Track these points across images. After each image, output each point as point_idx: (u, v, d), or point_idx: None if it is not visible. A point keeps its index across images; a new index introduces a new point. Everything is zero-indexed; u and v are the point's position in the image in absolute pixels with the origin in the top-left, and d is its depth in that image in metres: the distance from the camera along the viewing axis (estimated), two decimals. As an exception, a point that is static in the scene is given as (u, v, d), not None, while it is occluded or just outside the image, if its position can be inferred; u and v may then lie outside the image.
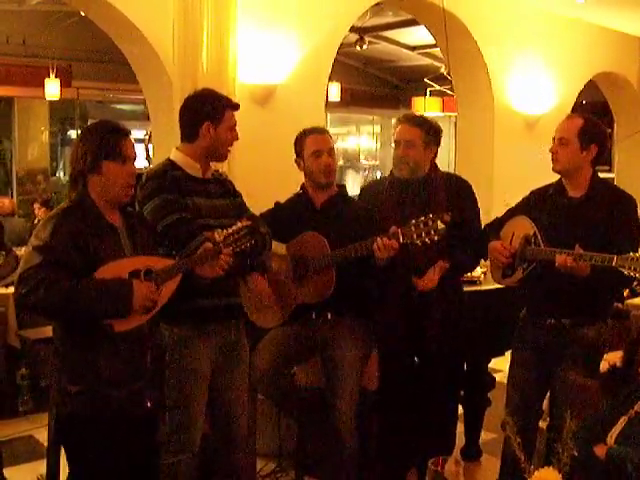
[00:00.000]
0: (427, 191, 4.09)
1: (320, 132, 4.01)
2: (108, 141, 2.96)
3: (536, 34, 8.30)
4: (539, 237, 3.68)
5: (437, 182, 4.13)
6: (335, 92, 11.55)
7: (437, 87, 11.23)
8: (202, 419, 3.52)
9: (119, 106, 14.01)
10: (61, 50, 10.42)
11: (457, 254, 4.04)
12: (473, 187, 4.28)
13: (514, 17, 8.08)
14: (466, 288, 4.75)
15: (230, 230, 3.21)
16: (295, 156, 4.03)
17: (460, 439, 4.86)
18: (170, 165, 3.51)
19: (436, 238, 3.51)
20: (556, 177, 3.84)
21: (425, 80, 11.57)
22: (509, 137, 8.26)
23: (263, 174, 6.02)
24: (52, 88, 9.81)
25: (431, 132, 4.12)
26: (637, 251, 3.65)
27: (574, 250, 3.43)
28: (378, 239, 3.58)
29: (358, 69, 13.38)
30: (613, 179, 12.01)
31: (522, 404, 3.87)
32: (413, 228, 3.53)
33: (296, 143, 4.02)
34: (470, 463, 4.84)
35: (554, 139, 3.76)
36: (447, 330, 4.08)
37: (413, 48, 11.63)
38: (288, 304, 3.90)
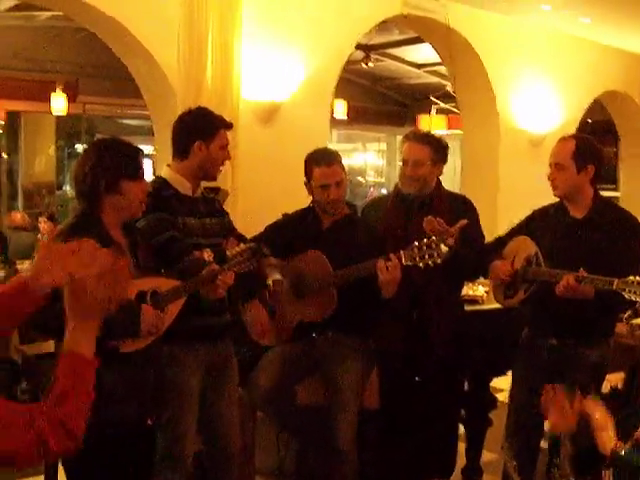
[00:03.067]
0: (432, 208, 4.07)
1: (329, 163, 3.87)
2: (128, 160, 2.99)
3: (541, 52, 8.30)
4: (540, 257, 3.66)
5: (442, 200, 4.11)
6: (341, 109, 11.59)
7: (442, 105, 11.26)
8: (193, 434, 3.50)
9: (126, 121, 14.06)
10: (68, 65, 10.46)
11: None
12: (477, 205, 4.26)
13: (519, 35, 8.09)
14: (468, 307, 4.74)
15: (234, 251, 3.21)
16: (305, 178, 3.97)
17: (461, 459, 4.81)
18: (163, 183, 3.51)
19: (439, 261, 3.49)
20: (561, 195, 3.83)
21: (431, 98, 11.60)
22: (514, 155, 8.25)
23: (267, 191, 6.03)
24: (58, 103, 9.85)
25: (439, 150, 4.09)
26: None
27: (578, 272, 3.41)
28: (381, 260, 3.56)
29: (364, 86, 13.39)
30: (618, 197, 12.05)
31: (523, 425, 3.85)
32: (416, 250, 3.51)
33: (305, 166, 3.95)
34: (472, 484, 4.80)
35: (550, 165, 3.75)
36: (447, 349, 4.05)
37: (419, 66, 11.64)
38: (288, 323, 3.89)
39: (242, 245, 3.26)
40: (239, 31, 5.80)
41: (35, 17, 9.46)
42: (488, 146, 8.25)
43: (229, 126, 3.61)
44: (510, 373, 4.04)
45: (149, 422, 3.08)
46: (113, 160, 2.95)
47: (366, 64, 10.91)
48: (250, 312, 3.86)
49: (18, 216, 9.33)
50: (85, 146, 12.95)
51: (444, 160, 4.15)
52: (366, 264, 3.61)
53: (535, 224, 3.92)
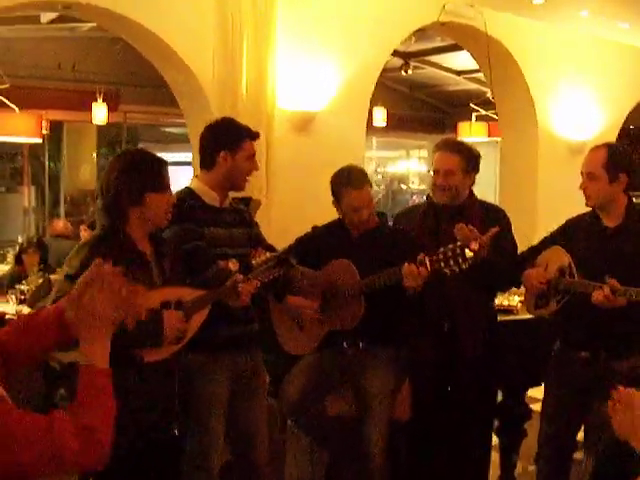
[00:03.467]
0: (464, 218, 4.04)
1: (359, 186, 3.84)
2: (153, 173, 3.02)
3: (580, 58, 8.21)
4: (573, 268, 3.63)
5: (474, 209, 4.08)
6: (380, 117, 11.55)
7: (483, 112, 11.15)
8: (220, 445, 3.53)
9: (168, 129, 14.19)
10: (109, 75, 10.58)
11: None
12: (516, 213, 4.22)
13: (558, 42, 8.00)
14: (503, 317, 4.71)
15: (260, 260, 3.22)
16: (332, 197, 3.97)
17: (495, 469, 4.78)
18: (189, 194, 3.54)
19: (464, 267, 3.46)
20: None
21: (471, 105, 11.51)
22: (553, 163, 8.16)
23: (302, 201, 6.03)
24: (99, 112, 9.97)
25: (470, 159, 4.06)
26: None
27: (609, 283, 3.37)
28: (406, 265, 3.55)
29: (404, 94, 13.35)
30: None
31: (554, 436, 3.81)
32: (441, 256, 3.49)
33: (334, 186, 3.94)
34: (506, 495, 4.76)
35: (582, 174, 3.71)
36: (479, 358, 4.02)
37: (458, 73, 11.58)
38: (318, 332, 3.89)
39: (268, 254, 3.27)
40: (273, 42, 5.83)
41: (77, 28, 9.59)
42: (527, 154, 8.17)
43: (255, 136, 3.62)
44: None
45: (175, 432, 3.08)
46: (136, 173, 2.99)
47: (405, 71, 10.88)
48: (291, 306, 3.89)
49: (60, 224, 9.46)
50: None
51: (476, 169, 4.11)
52: (392, 270, 3.61)
53: (568, 233, 3.88)
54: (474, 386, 4.08)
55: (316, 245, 3.89)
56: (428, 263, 3.53)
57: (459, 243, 3.49)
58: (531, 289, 3.81)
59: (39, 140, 8.41)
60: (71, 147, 12.51)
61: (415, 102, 13.72)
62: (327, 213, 4.14)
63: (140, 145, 14.40)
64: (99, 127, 11.58)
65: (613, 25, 7.34)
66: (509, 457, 4.84)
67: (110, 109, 10.42)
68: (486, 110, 10.89)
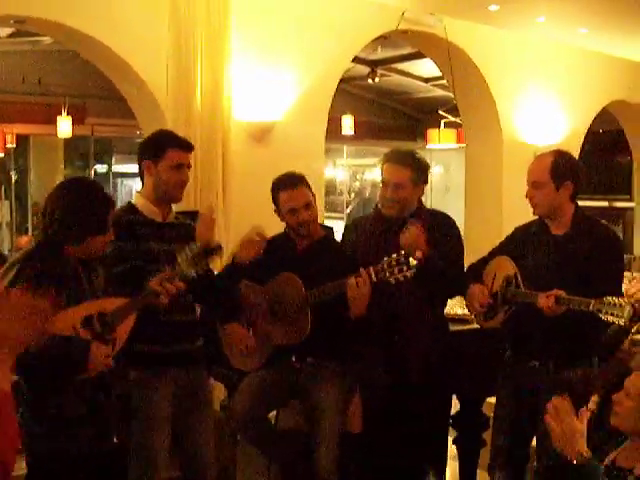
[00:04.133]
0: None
1: (293, 186, 3.84)
2: (94, 217, 2.99)
3: (543, 64, 8.22)
4: (519, 278, 3.60)
5: (422, 221, 4.04)
6: (348, 124, 11.55)
7: (451, 118, 11.17)
8: (163, 461, 3.48)
9: (140, 140, 14.07)
10: (75, 88, 10.51)
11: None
12: (482, 219, 4.21)
13: (519, 48, 8.01)
14: (457, 327, 4.68)
15: (184, 256, 3.18)
16: (274, 206, 3.95)
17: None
18: (129, 209, 3.50)
19: (408, 275, 3.44)
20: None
21: (439, 112, 11.53)
22: (518, 169, 8.03)
23: (261, 210, 5.96)
24: (64, 125, 9.92)
25: (420, 171, 4.02)
26: (620, 290, 3.59)
27: (554, 292, 3.35)
28: (352, 278, 3.52)
29: (374, 101, 13.36)
30: (633, 208, 11.91)
31: (507, 448, 3.78)
32: (386, 266, 3.46)
33: (272, 194, 3.94)
34: (466, 505, 4.72)
35: (528, 183, 3.69)
36: (432, 368, 3.99)
37: (426, 80, 11.59)
38: (265, 347, 3.85)
39: (192, 247, 3.21)
40: (228, 53, 5.78)
41: (40, 42, 9.53)
42: (491, 160, 8.17)
43: (184, 145, 3.54)
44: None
45: (115, 440, 3.04)
46: (82, 216, 2.95)
47: (372, 79, 10.88)
48: (230, 334, 3.84)
49: (24, 240, 9.41)
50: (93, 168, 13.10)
51: (425, 181, 4.08)
52: (337, 282, 3.58)
53: (516, 242, 3.86)
54: (427, 396, 4.03)
55: (261, 259, 3.85)
56: (373, 273, 3.50)
57: (402, 252, 3.46)
58: (472, 309, 3.79)
59: (1, 155, 8.32)
60: (38, 161, 12.43)
61: (385, 110, 13.73)
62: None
63: (114, 157, 14.36)
64: (66, 140, 11.50)
65: (573, 30, 7.36)
66: (469, 467, 4.81)
67: (76, 122, 10.38)
68: (454, 117, 10.91)
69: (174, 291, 3.12)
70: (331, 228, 4.10)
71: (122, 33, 5.57)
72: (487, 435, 4.76)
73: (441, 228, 4.03)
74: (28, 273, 2.84)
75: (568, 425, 2.46)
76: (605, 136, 12.18)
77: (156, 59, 5.63)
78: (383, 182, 4.06)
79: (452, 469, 4.89)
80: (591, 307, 3.20)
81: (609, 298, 3.16)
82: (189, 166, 3.57)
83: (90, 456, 2.97)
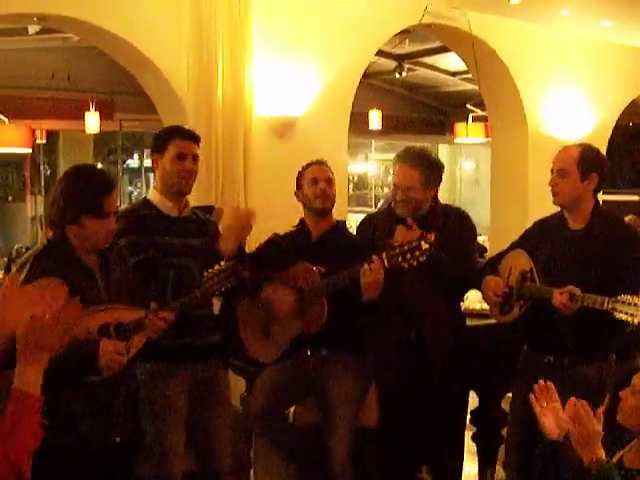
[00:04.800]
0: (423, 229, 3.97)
1: (319, 164, 4.02)
2: (88, 196, 2.96)
3: (569, 58, 8.12)
4: (535, 273, 3.58)
5: (435, 220, 4.01)
6: (376, 120, 11.52)
7: (479, 112, 11.10)
8: (178, 454, 3.50)
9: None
10: (103, 83, 10.57)
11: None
12: (507, 213, 4.18)
13: (545, 42, 7.92)
14: (477, 322, 4.67)
15: (211, 273, 3.18)
16: (295, 189, 4.04)
17: (474, 478, 4.75)
18: (143, 204, 3.52)
19: (421, 259, 3.42)
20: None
21: (467, 106, 11.46)
22: (544, 163, 7.89)
23: (282, 206, 5.96)
24: (92, 121, 9.99)
25: (431, 173, 4.00)
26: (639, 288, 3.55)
27: (569, 289, 3.34)
28: (365, 264, 3.51)
29: (402, 96, 13.31)
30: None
31: (523, 442, 3.75)
32: (397, 250, 3.45)
33: (298, 177, 4.05)
34: (485, 501, 4.71)
35: (552, 171, 3.66)
36: (448, 363, 3.98)
37: (453, 74, 11.52)
38: (283, 339, 3.86)
39: (222, 264, 3.22)
40: (250, 47, 5.79)
41: (70, 38, 9.60)
42: (517, 153, 8.09)
43: (185, 135, 3.56)
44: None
45: (117, 439, 3.05)
46: (76, 195, 2.94)
47: (399, 73, 10.83)
48: (272, 293, 3.85)
49: (50, 233, 9.46)
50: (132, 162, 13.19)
51: (437, 182, 4.06)
52: (351, 269, 3.57)
53: (535, 236, 3.86)
54: (444, 391, 4.03)
55: (276, 251, 3.88)
56: (386, 260, 3.48)
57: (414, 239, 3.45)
58: (488, 299, 3.77)
59: (29, 150, 8.42)
60: (67, 156, 12.57)
61: (413, 104, 13.67)
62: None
63: (145, 152, 14.46)
64: (95, 135, 11.60)
65: (596, 23, 7.26)
66: (488, 463, 4.79)
67: (105, 117, 10.45)
68: (482, 111, 10.84)
69: (164, 327, 3.08)
70: (344, 222, 4.10)
71: (143, 29, 5.60)
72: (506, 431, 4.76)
73: (454, 224, 4.02)
74: (38, 273, 2.85)
75: (586, 428, 2.46)
76: (636, 129, 12.04)
77: (177, 54, 5.65)
78: (394, 184, 4.05)
79: (471, 465, 4.89)
80: (605, 305, 3.17)
81: (624, 296, 3.13)
82: (195, 157, 3.56)
83: (95, 453, 2.97)
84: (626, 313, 3.11)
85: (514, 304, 3.70)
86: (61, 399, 2.89)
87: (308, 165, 4.04)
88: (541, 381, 2.75)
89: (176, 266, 3.41)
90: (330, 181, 3.94)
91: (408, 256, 3.43)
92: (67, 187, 2.99)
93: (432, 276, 3.75)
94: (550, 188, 3.72)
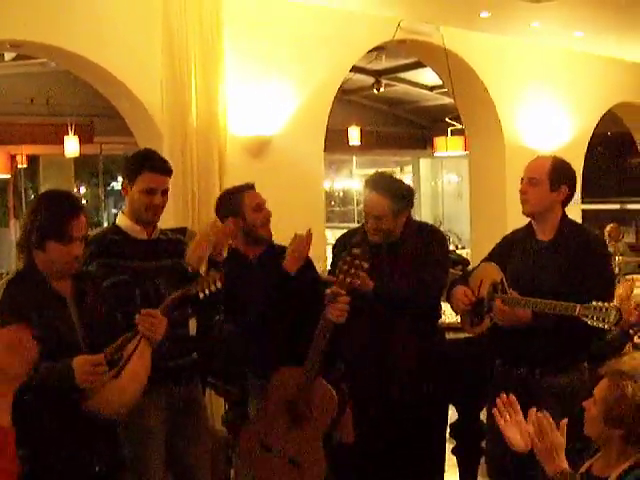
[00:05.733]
0: (397, 255, 3.96)
1: (253, 187, 3.92)
2: (52, 221, 2.94)
3: (544, 69, 8.21)
4: (505, 284, 3.59)
5: (407, 244, 4.00)
6: (355, 135, 11.58)
7: (458, 126, 11.18)
8: (160, 476, 3.49)
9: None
10: (83, 107, 10.59)
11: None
12: (487, 225, 4.17)
13: (519, 53, 8.01)
14: (453, 335, 4.67)
15: (169, 298, 3.17)
16: (222, 217, 3.86)
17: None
18: (113, 229, 3.51)
19: (366, 266, 3.43)
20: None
21: (446, 119, 11.54)
22: (521, 174, 8.10)
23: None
24: (71, 145, 10.02)
25: (400, 200, 3.93)
26: (609, 295, 3.57)
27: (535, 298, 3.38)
28: (328, 307, 3.45)
29: (381, 111, 13.39)
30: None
31: (500, 455, 3.75)
32: (341, 274, 3.42)
33: (226, 203, 3.90)
34: (467, 514, 4.71)
35: (523, 179, 3.69)
36: (422, 378, 3.97)
37: (431, 88, 11.61)
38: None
39: (178, 292, 3.19)
40: (222, 68, 5.82)
41: (49, 63, 9.63)
42: (494, 165, 8.15)
43: (157, 169, 3.51)
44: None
45: (97, 468, 3.03)
46: (42, 219, 2.93)
47: (377, 89, 10.91)
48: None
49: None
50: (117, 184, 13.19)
51: (408, 208, 4.01)
52: (321, 323, 3.48)
53: (504, 248, 3.87)
54: (420, 406, 4.02)
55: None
56: (338, 286, 3.45)
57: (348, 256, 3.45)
58: (457, 309, 3.79)
59: (8, 176, 8.43)
60: (49, 180, 12.58)
61: (392, 119, 13.77)
62: (285, 238, 3.99)
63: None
64: (76, 159, 11.62)
65: (568, 34, 7.34)
66: (469, 476, 4.79)
67: (85, 141, 10.49)
68: (462, 124, 10.92)
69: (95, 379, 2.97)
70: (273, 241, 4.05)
71: (115, 52, 5.62)
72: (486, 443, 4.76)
73: (425, 240, 4.03)
74: (7, 304, 2.84)
75: (550, 440, 2.47)
76: (616, 138, 12.13)
77: (150, 77, 5.68)
78: (365, 213, 4.01)
79: (452, 478, 4.88)
80: (577, 312, 3.20)
81: (595, 303, 3.16)
82: (165, 191, 3.53)
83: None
84: (597, 319, 3.15)
85: (484, 316, 3.71)
86: (42, 427, 2.88)
87: (241, 190, 3.89)
88: (503, 395, 2.77)
89: (144, 289, 3.40)
90: (263, 205, 3.88)
91: (352, 271, 3.42)
92: (33, 211, 2.98)
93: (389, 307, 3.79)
94: (520, 196, 3.73)
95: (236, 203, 3.84)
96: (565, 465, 2.43)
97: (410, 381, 3.93)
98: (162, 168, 3.53)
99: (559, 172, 3.63)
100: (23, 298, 2.87)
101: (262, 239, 3.85)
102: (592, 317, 3.16)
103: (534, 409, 2.60)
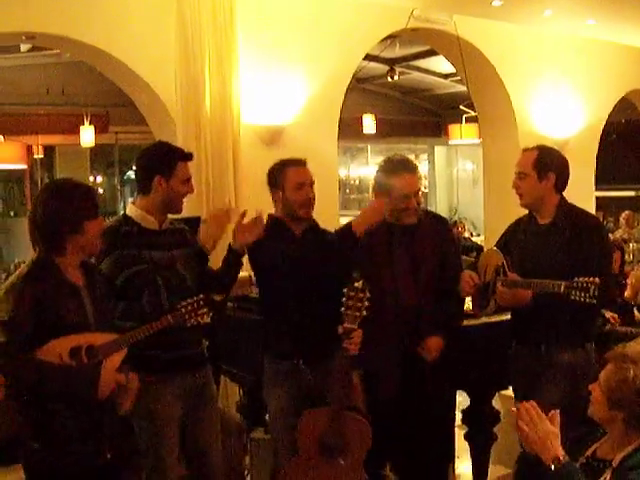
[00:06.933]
0: (415, 237, 4.00)
1: (302, 165, 3.90)
2: (88, 201, 3.03)
3: (558, 57, 8.20)
4: (507, 267, 3.75)
5: (426, 228, 4.07)
6: (369, 124, 11.59)
7: (473, 113, 11.14)
8: (175, 461, 3.55)
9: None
10: (98, 97, 10.66)
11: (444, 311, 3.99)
12: (500, 213, 4.26)
13: (532, 41, 8.00)
14: (465, 322, 4.70)
15: (184, 303, 3.22)
16: (270, 187, 3.93)
17: (468, 477, 4.79)
18: (123, 221, 3.55)
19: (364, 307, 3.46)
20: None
21: (461, 107, 11.51)
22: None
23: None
24: (87, 135, 10.07)
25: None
26: (607, 270, 3.68)
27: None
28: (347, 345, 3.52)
29: (396, 99, 13.39)
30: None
31: None
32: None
33: (272, 174, 3.92)
34: (480, 499, 4.75)
35: (515, 174, 3.85)
36: (439, 372, 4.01)
37: (445, 76, 11.59)
38: None
39: (195, 297, 3.23)
40: (236, 57, 5.86)
41: (64, 53, 9.70)
42: (508, 153, 8.09)
43: (188, 157, 3.59)
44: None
45: (108, 455, 3.09)
46: (73, 202, 2.99)
47: (391, 77, 10.91)
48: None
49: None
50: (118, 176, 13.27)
51: None
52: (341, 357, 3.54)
53: (509, 234, 4.05)
54: (433, 391, 4.05)
55: (260, 248, 3.79)
56: (349, 322, 3.48)
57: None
58: (464, 294, 3.88)
59: (24, 167, 8.51)
60: (65, 170, 12.65)
61: (407, 107, 13.76)
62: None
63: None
64: (92, 149, 11.69)
65: (580, 22, 7.33)
66: (481, 462, 4.82)
67: (100, 130, 10.55)
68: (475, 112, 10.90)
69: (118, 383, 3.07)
70: (315, 221, 4.04)
71: (129, 43, 5.68)
72: (498, 429, 4.80)
73: (441, 232, 4.13)
74: (27, 298, 2.88)
75: (541, 429, 2.50)
76: (630, 125, 12.08)
77: (165, 68, 5.73)
78: (405, 195, 3.94)
79: (465, 464, 4.93)
80: (562, 289, 3.32)
81: (577, 279, 3.28)
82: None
83: (85, 472, 3.01)
84: (578, 295, 3.26)
85: (490, 299, 3.84)
86: (55, 420, 2.94)
87: (288, 164, 3.89)
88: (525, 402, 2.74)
89: (165, 276, 3.45)
90: (313, 184, 3.87)
91: (358, 304, 3.45)
92: (60, 201, 3.00)
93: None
94: (515, 191, 3.85)
95: (279, 176, 3.87)
96: (561, 452, 2.46)
97: (431, 368, 3.98)
98: (191, 156, 3.62)
99: (544, 161, 3.76)
100: (41, 290, 2.91)
101: (299, 218, 3.85)
102: (575, 293, 3.27)
103: (525, 402, 2.61)
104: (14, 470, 5.29)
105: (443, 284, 3.99)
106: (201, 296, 3.23)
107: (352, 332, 3.47)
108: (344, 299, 3.45)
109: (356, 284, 3.43)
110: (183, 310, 3.19)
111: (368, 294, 3.44)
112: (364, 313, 3.45)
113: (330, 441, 3.59)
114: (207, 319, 3.24)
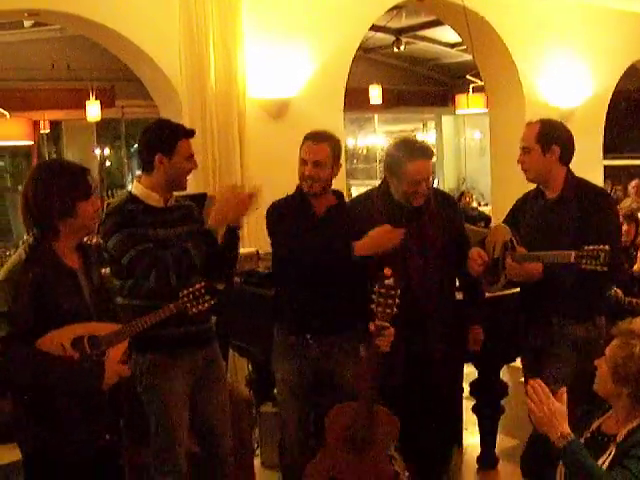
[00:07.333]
0: (423, 218, 3.97)
1: (316, 140, 3.80)
2: (79, 181, 2.97)
3: (564, 25, 8.12)
4: (514, 242, 3.72)
5: (432, 209, 4.03)
6: (376, 94, 11.53)
7: (480, 83, 11.06)
8: (185, 439, 3.57)
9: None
10: (103, 71, 10.61)
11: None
12: (507, 183, 4.22)
13: (539, 10, 7.92)
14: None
15: (187, 290, 3.21)
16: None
17: (475, 448, 4.82)
18: (129, 199, 3.53)
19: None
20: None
21: (467, 77, 11.42)
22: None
23: (279, 187, 6.01)
24: (93, 109, 10.05)
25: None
26: (615, 240, 3.67)
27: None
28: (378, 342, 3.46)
29: (404, 69, 13.30)
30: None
31: None
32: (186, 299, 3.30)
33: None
34: (488, 471, 4.78)
35: (520, 149, 3.82)
36: (450, 350, 4.02)
37: (452, 45, 11.51)
38: None
39: (197, 285, 3.20)
40: (240, 31, 5.84)
41: (66, 29, 9.65)
42: (514, 123, 8.04)
43: (189, 134, 3.56)
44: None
45: (107, 437, 3.10)
46: (65, 184, 2.93)
47: (397, 47, 10.85)
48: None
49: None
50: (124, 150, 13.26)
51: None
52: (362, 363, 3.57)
53: (518, 210, 4.02)
54: (443, 367, 4.06)
55: (282, 225, 3.82)
56: (381, 319, 3.42)
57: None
58: (473, 271, 3.84)
59: (31, 143, 8.51)
60: (72, 145, 12.66)
61: (413, 77, 13.67)
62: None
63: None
64: (98, 123, 11.66)
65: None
66: (489, 434, 4.85)
67: (106, 105, 10.51)
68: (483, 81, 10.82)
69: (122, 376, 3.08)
70: (341, 194, 4.01)
71: (133, 19, 5.66)
72: (506, 402, 4.82)
73: (448, 211, 4.09)
74: (25, 287, 2.85)
75: (548, 408, 2.51)
76: (639, 93, 11.99)
77: (169, 43, 5.71)
78: (416, 179, 3.87)
79: (473, 436, 4.96)
80: (573, 258, 3.29)
81: (587, 247, 3.25)
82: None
83: (83, 454, 3.00)
84: (587, 262, 3.23)
85: (500, 274, 3.80)
86: (53, 402, 2.94)
87: (307, 137, 3.86)
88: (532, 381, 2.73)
89: (172, 253, 3.44)
90: (319, 163, 3.75)
91: (389, 301, 3.39)
92: (51, 183, 2.94)
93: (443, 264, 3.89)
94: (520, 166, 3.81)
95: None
96: (567, 430, 2.47)
97: (443, 340, 3.99)
98: (192, 132, 3.59)
99: (547, 134, 3.73)
100: (38, 277, 2.87)
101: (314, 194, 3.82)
102: (585, 261, 3.24)
103: (531, 380, 2.62)
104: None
105: (461, 263, 3.96)
106: (203, 284, 3.21)
107: (385, 329, 3.44)
108: (374, 296, 3.39)
109: (386, 281, 3.37)
110: (185, 299, 3.16)
111: (399, 291, 3.38)
112: (395, 310, 3.39)
113: (359, 435, 3.57)
114: (208, 307, 3.21)
